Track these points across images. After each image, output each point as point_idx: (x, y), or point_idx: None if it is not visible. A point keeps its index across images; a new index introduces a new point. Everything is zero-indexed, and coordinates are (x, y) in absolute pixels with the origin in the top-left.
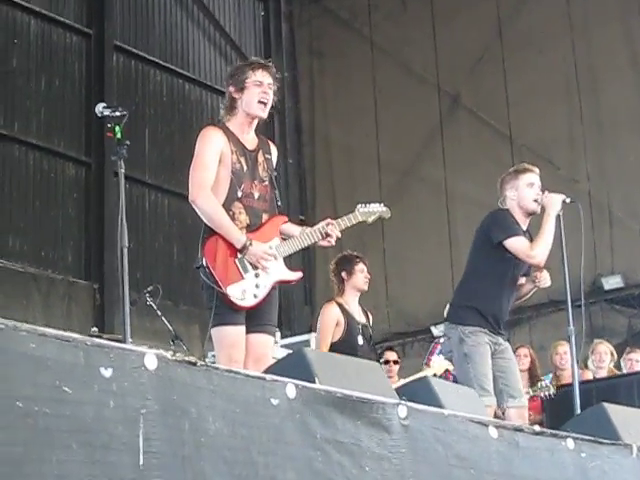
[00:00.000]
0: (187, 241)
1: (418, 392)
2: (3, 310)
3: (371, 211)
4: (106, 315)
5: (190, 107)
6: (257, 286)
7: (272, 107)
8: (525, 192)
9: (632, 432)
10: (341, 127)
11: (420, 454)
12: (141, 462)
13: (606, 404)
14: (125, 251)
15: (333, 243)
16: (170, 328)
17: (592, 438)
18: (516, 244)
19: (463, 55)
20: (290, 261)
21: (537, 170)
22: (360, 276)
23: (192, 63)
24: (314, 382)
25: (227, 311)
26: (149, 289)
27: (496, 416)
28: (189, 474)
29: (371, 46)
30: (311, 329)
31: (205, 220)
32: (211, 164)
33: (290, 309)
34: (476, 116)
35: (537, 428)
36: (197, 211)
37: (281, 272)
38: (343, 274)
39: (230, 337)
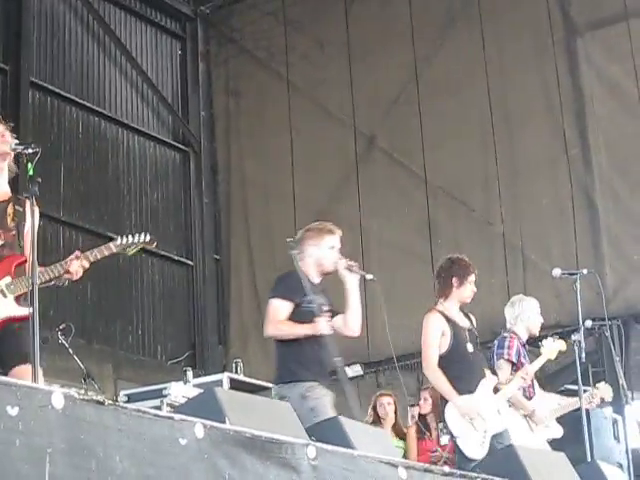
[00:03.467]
0: (101, 279)
1: (328, 432)
2: None
3: (130, 242)
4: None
5: (106, 145)
6: None
7: (187, 145)
8: (326, 253)
9: (541, 472)
10: (257, 166)
11: None
12: None
13: (516, 446)
14: (36, 288)
15: (75, 277)
16: (82, 367)
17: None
18: (273, 307)
19: (379, 96)
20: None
21: (339, 232)
22: (469, 287)
23: (108, 100)
24: (225, 422)
25: None
26: (61, 327)
27: None
28: None
29: (287, 86)
30: (224, 369)
31: None
32: None
33: (203, 349)
34: (392, 157)
35: (446, 469)
36: None
37: (9, 309)
38: (454, 280)
39: None
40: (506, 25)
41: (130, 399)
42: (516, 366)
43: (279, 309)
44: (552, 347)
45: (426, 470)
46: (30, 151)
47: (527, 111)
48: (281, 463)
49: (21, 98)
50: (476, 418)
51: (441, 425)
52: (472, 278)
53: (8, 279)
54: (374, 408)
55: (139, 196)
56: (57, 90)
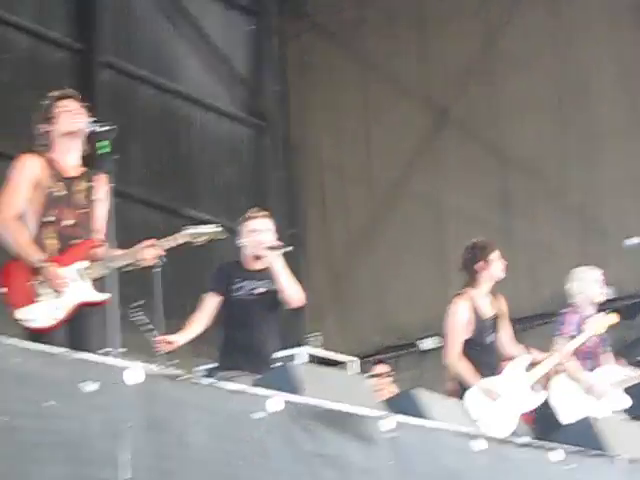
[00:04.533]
0: (178, 256)
1: (405, 405)
2: None
3: (201, 232)
4: (98, 333)
5: (179, 121)
6: (57, 308)
7: (261, 121)
8: (248, 238)
9: (619, 444)
10: (331, 140)
11: (407, 467)
12: (127, 476)
13: (592, 417)
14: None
15: (150, 262)
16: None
17: (579, 449)
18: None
19: (452, 69)
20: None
21: (260, 214)
22: (498, 264)
23: (182, 77)
24: (302, 395)
25: (36, 335)
26: (136, 304)
27: None
28: None
29: (360, 60)
30: (302, 343)
31: (3, 244)
32: (17, 189)
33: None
34: (466, 130)
35: (524, 440)
36: None
37: (85, 294)
38: (480, 264)
39: None
40: None
41: (209, 374)
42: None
43: (200, 302)
44: (600, 322)
45: (504, 441)
46: (106, 129)
47: (602, 80)
48: (358, 436)
49: (94, 77)
50: (497, 399)
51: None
52: (495, 255)
53: (86, 263)
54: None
55: (213, 172)
56: (130, 68)
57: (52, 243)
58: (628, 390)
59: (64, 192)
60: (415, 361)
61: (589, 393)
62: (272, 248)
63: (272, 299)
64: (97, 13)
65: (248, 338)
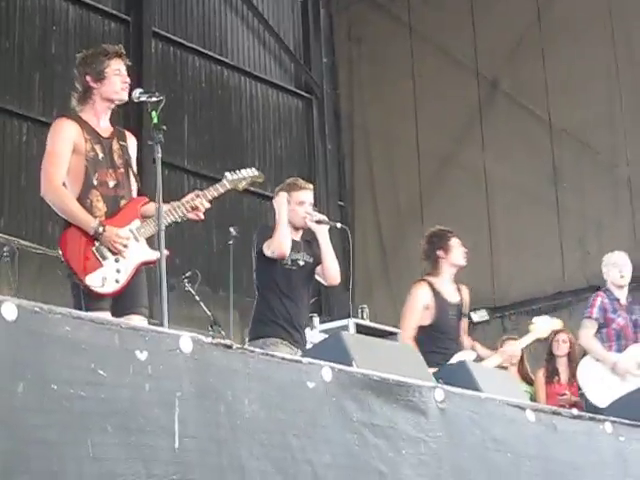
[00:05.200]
0: (226, 228)
1: (455, 375)
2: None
3: (241, 177)
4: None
5: (229, 93)
6: (118, 271)
7: (310, 93)
8: (295, 209)
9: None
10: (380, 112)
11: (457, 437)
12: (177, 445)
13: None
14: (162, 235)
15: (202, 217)
16: (208, 314)
17: (630, 422)
18: (264, 249)
19: (502, 40)
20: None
21: (309, 187)
22: (457, 251)
23: (230, 49)
24: (352, 365)
25: (90, 299)
26: (187, 275)
27: None
28: (225, 457)
29: (409, 31)
30: (349, 314)
31: (57, 212)
32: (62, 156)
33: (330, 295)
34: (515, 101)
35: (575, 412)
36: (49, 204)
37: (143, 253)
38: (439, 252)
39: None
40: None
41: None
42: (605, 323)
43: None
44: (544, 325)
45: (554, 413)
46: (154, 99)
47: None
48: (409, 406)
49: (144, 48)
50: None
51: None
52: (455, 241)
53: (137, 222)
54: None
55: (263, 144)
56: (179, 40)
57: (100, 207)
58: None
59: (102, 154)
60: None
61: (614, 372)
62: (321, 222)
63: (311, 272)
64: None
65: (289, 308)
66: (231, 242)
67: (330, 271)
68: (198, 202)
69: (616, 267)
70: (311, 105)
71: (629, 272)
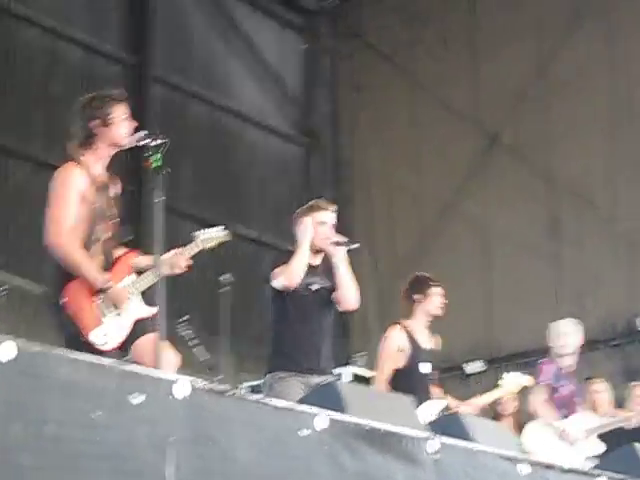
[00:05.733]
0: (223, 272)
1: (449, 426)
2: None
3: (211, 237)
4: None
5: (230, 138)
6: (120, 327)
7: (311, 138)
8: (316, 230)
9: None
10: (381, 161)
11: None
12: None
13: (638, 444)
14: (161, 280)
15: (179, 272)
16: (202, 359)
17: (623, 477)
18: (274, 277)
19: (504, 93)
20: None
21: (330, 207)
22: (435, 300)
23: (233, 94)
24: (345, 414)
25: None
26: (182, 320)
27: None
28: None
29: (412, 81)
30: (347, 362)
31: (63, 264)
32: (70, 206)
33: None
34: (516, 154)
35: (568, 465)
36: (54, 255)
37: (140, 309)
38: (416, 297)
39: None
40: (632, 19)
41: (253, 391)
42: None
43: (280, 269)
44: (514, 381)
45: (547, 467)
46: (158, 142)
47: None
48: (402, 456)
49: (146, 91)
50: None
51: None
52: (435, 290)
53: (133, 277)
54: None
55: (262, 189)
56: (182, 84)
57: (100, 259)
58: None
59: (101, 205)
60: (460, 384)
61: (562, 439)
62: (339, 244)
63: (327, 297)
64: (150, 28)
65: (301, 335)
66: (223, 290)
67: (346, 295)
68: (177, 262)
69: (560, 336)
70: (312, 151)
71: (575, 341)
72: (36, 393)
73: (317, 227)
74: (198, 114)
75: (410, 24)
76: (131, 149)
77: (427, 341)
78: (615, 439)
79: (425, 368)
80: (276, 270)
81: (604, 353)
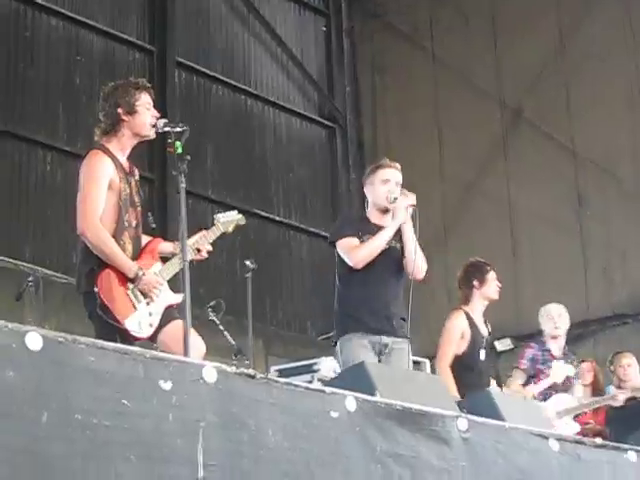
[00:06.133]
0: (250, 256)
1: (479, 404)
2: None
3: (229, 220)
4: None
5: (252, 123)
6: (150, 314)
7: (333, 122)
8: (378, 188)
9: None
10: (403, 141)
11: (480, 467)
12: (200, 475)
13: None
14: (187, 266)
15: (205, 256)
16: (233, 343)
17: None
18: (340, 245)
19: (525, 68)
20: None
21: (397, 166)
22: (493, 284)
23: (254, 79)
24: (374, 395)
25: (124, 343)
26: (211, 304)
27: None
28: None
29: (433, 60)
30: None
31: (96, 252)
32: (100, 193)
33: None
34: (539, 129)
35: (599, 441)
36: (87, 243)
37: (168, 297)
38: (474, 282)
39: None
40: None
41: (281, 374)
42: (535, 373)
43: (350, 242)
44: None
45: (578, 442)
46: (178, 130)
47: None
48: (432, 435)
49: (168, 78)
50: None
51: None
52: (492, 275)
53: (159, 265)
54: None
55: (286, 173)
56: (203, 69)
57: (130, 249)
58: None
59: (128, 192)
60: (491, 362)
61: None
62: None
63: (396, 257)
64: (170, 14)
65: (370, 295)
66: (248, 275)
67: (409, 262)
68: (201, 246)
69: (550, 319)
70: (334, 134)
71: (564, 323)
72: (64, 382)
73: (380, 185)
74: (220, 99)
75: (429, 3)
76: (154, 137)
77: (483, 327)
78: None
79: (483, 355)
80: (346, 244)
81: (633, 327)
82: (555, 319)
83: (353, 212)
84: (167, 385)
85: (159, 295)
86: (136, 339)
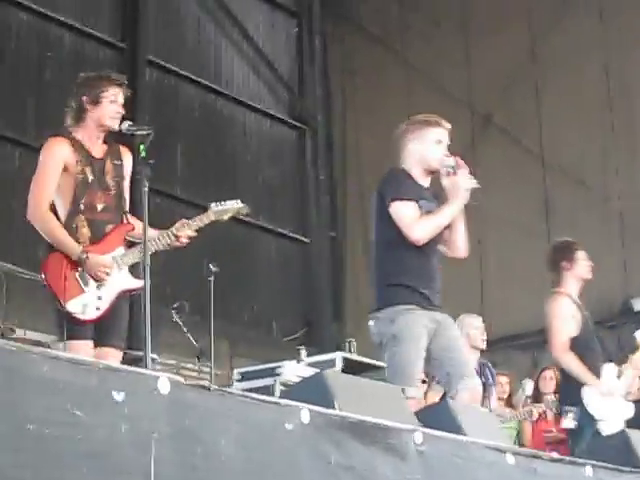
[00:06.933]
0: (217, 256)
1: (437, 417)
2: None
3: (226, 209)
4: (133, 331)
5: (222, 122)
6: (99, 298)
7: (303, 123)
8: (431, 148)
9: None
10: (373, 143)
11: None
12: None
13: (628, 430)
14: (147, 269)
15: (184, 243)
16: (196, 345)
17: (612, 465)
18: (398, 209)
19: (496, 73)
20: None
21: (448, 126)
22: (583, 264)
23: (225, 78)
24: (333, 406)
25: (73, 326)
26: (175, 306)
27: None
28: None
29: (404, 64)
30: (339, 347)
31: (45, 237)
32: (50, 177)
33: (318, 326)
34: (508, 135)
35: (555, 455)
36: (35, 227)
37: (125, 282)
38: (564, 263)
39: (77, 352)
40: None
41: (244, 377)
42: None
43: (410, 209)
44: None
45: (534, 456)
46: (143, 133)
47: None
48: (387, 449)
49: (138, 76)
50: (616, 399)
51: (567, 407)
52: (581, 254)
53: (121, 250)
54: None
55: (255, 173)
56: (173, 68)
57: (84, 232)
58: None
59: (92, 176)
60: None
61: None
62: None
63: (441, 232)
64: (142, 12)
65: (421, 265)
66: (211, 278)
67: (452, 238)
68: (183, 232)
69: (478, 330)
70: (304, 135)
71: (482, 336)
72: (16, 392)
73: (433, 145)
74: (190, 98)
75: (401, 6)
76: (122, 138)
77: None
78: None
79: (593, 338)
80: (406, 211)
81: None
82: (474, 330)
83: (397, 171)
84: (120, 396)
85: (110, 279)
86: (81, 322)
